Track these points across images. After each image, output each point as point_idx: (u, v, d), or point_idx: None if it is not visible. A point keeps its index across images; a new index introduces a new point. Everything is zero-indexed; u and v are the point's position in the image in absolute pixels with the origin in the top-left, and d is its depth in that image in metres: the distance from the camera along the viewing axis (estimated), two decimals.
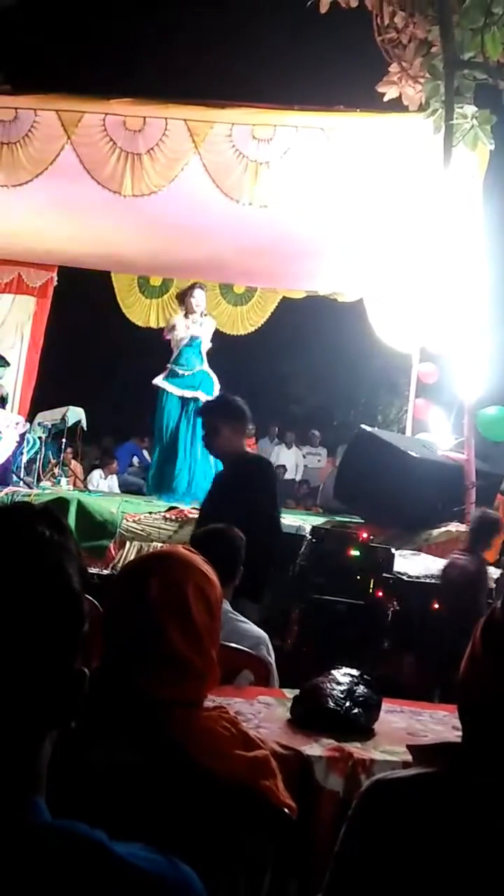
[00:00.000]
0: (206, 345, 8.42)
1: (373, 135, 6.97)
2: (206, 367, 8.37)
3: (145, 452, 13.27)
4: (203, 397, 7.99)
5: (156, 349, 9.13)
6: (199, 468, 7.95)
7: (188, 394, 8.18)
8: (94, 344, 14.18)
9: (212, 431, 4.67)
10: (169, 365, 8.35)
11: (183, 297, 8.54)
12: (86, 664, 0.96)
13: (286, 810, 1.63)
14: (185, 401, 8.19)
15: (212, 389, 8.24)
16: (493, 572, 5.82)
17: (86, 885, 0.84)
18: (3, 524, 0.93)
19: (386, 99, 6.62)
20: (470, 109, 6.28)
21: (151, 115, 7.06)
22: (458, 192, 6.55)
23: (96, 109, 7.08)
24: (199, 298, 8.40)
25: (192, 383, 8.22)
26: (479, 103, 6.35)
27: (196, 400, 8.01)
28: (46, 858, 0.84)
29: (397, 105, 6.65)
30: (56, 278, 10.99)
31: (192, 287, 8.60)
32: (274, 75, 8.42)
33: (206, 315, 8.50)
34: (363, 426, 7.66)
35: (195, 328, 8.33)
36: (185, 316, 8.39)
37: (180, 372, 8.26)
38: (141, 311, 10.99)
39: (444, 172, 6.34)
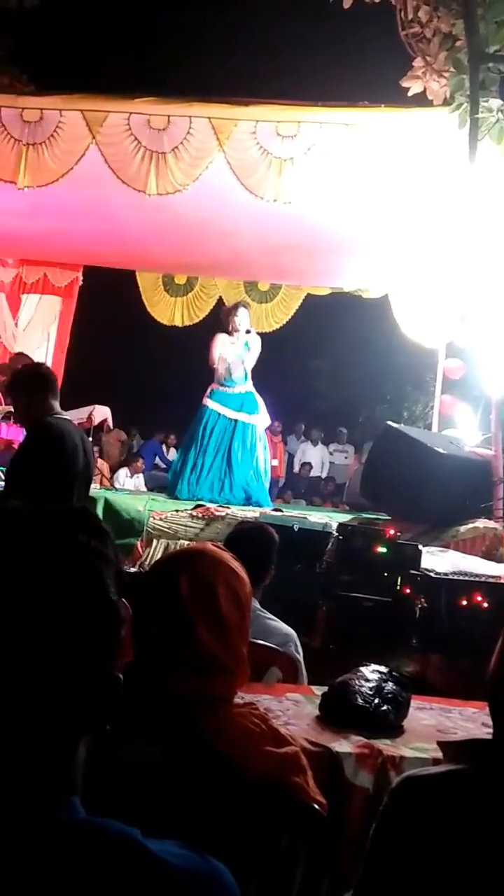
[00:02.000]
0: (252, 363, 8.41)
1: (397, 130, 6.93)
2: (250, 386, 8.40)
3: (164, 449, 13.33)
4: (247, 419, 8.19)
5: (181, 347, 9.15)
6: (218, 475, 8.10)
7: (231, 414, 8.25)
8: (120, 343, 14.23)
9: (16, 400, 4.56)
10: (214, 383, 8.37)
11: (227, 316, 8.51)
12: (119, 662, 0.97)
13: (316, 807, 1.63)
14: (226, 420, 8.26)
15: (256, 409, 8.35)
16: None
17: (121, 881, 0.84)
18: (41, 531, 0.94)
19: (410, 94, 6.59)
20: (495, 103, 6.23)
21: (175, 113, 7.06)
22: (483, 186, 6.50)
23: (121, 109, 7.09)
24: (242, 317, 8.37)
25: (235, 403, 8.28)
26: None
27: (237, 422, 8.18)
28: (82, 855, 0.85)
29: (422, 100, 6.62)
30: (81, 278, 11.06)
31: (236, 306, 8.60)
32: (298, 72, 8.42)
33: (250, 332, 8.44)
34: (389, 423, 7.63)
35: (239, 347, 8.32)
36: (230, 334, 8.35)
37: (224, 389, 8.31)
38: (166, 310, 11.02)
39: (470, 167, 6.30)
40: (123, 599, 0.98)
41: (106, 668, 0.93)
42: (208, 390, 8.39)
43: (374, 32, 7.26)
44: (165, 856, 0.89)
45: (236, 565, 1.72)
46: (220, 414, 8.24)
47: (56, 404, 4.39)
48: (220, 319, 8.71)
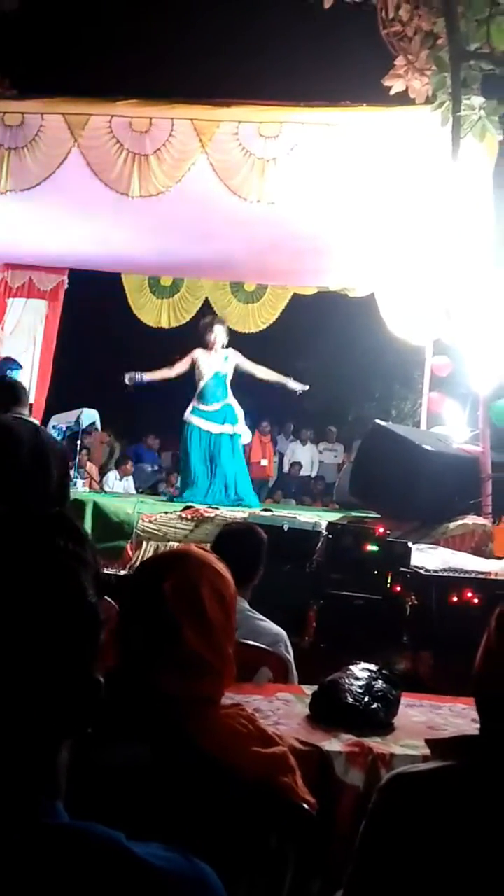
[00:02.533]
0: (230, 376, 8.52)
1: (380, 129, 6.94)
2: (230, 399, 8.52)
3: (156, 455, 13.34)
4: (231, 430, 8.35)
5: (168, 350, 9.15)
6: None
7: (216, 428, 8.38)
8: (107, 346, 14.20)
9: None
10: (194, 401, 8.49)
11: (204, 332, 8.59)
12: (104, 664, 0.97)
13: (305, 806, 1.63)
14: (211, 435, 8.38)
15: (236, 421, 8.48)
16: None
17: (104, 884, 0.84)
18: (19, 535, 0.94)
19: (392, 92, 6.59)
20: (477, 100, 6.24)
21: (157, 115, 7.06)
22: (467, 183, 6.51)
23: (102, 111, 7.09)
24: (218, 333, 8.47)
25: (218, 418, 8.41)
26: (486, 94, 6.31)
27: (223, 434, 8.33)
28: (65, 859, 0.84)
29: (404, 98, 6.62)
30: (67, 281, 11.02)
31: (212, 322, 8.70)
32: (279, 72, 8.40)
33: (227, 348, 8.54)
34: (377, 421, 7.64)
35: (217, 363, 8.43)
36: (208, 350, 8.45)
37: (205, 407, 8.42)
38: (152, 312, 11.00)
39: (453, 164, 6.31)
40: (112, 601, 0.98)
41: (86, 670, 0.93)
42: (190, 406, 8.50)
43: (355, 32, 7.26)
44: (150, 858, 0.89)
45: (220, 566, 1.72)
46: (202, 430, 8.38)
47: (24, 412, 4.41)
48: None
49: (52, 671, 0.90)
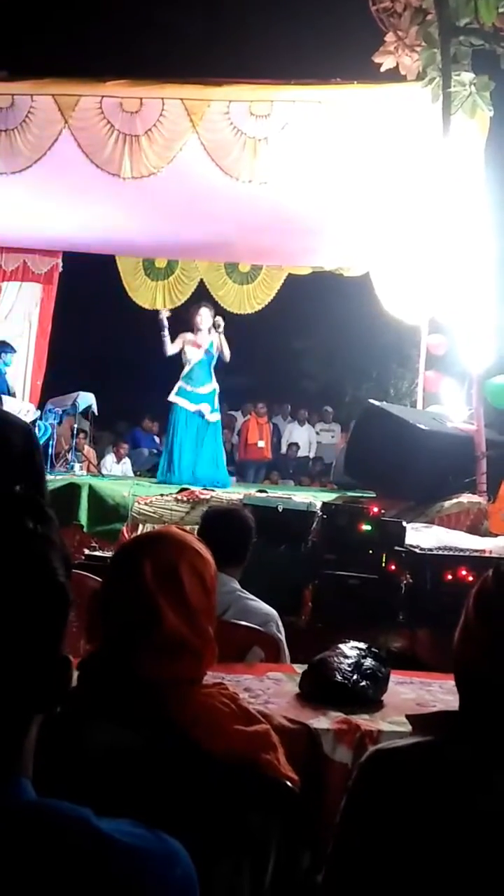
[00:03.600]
0: (215, 360, 8.77)
1: (371, 106, 6.90)
2: (214, 384, 8.80)
3: (153, 438, 13.32)
4: (214, 418, 8.73)
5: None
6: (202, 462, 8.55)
7: (200, 408, 8.66)
8: (102, 329, 14.16)
9: None
10: (181, 381, 8.73)
11: (192, 316, 8.83)
12: (85, 648, 0.98)
13: (288, 783, 1.64)
14: (195, 414, 8.66)
15: (217, 409, 8.89)
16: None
17: (68, 860, 0.85)
18: None
19: (383, 69, 6.56)
20: (468, 76, 6.22)
21: (148, 95, 7.02)
22: (459, 160, 6.48)
23: (92, 92, 7.05)
24: (203, 317, 8.71)
25: (201, 399, 8.68)
26: (476, 70, 6.28)
27: (206, 420, 8.66)
28: (28, 835, 0.85)
29: (394, 75, 6.59)
30: (61, 264, 10.99)
31: (199, 306, 8.96)
32: (269, 50, 8.34)
33: (213, 331, 8.73)
34: (371, 401, 7.65)
35: (203, 345, 8.68)
36: (194, 333, 8.70)
37: (190, 388, 8.68)
38: (147, 294, 10.97)
39: (444, 141, 6.28)
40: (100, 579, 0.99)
41: (55, 649, 0.94)
42: (176, 387, 8.72)
43: (344, 8, 7.21)
44: (117, 835, 0.89)
45: (200, 546, 1.72)
46: (187, 410, 8.64)
47: None
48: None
49: (21, 649, 0.91)
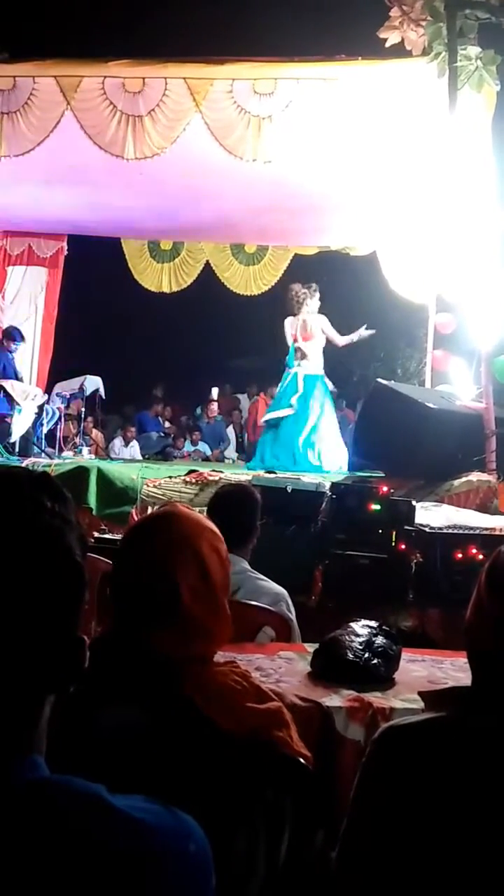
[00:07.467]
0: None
1: (376, 82, 6.84)
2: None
3: (159, 421, 13.33)
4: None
5: (168, 314, 9.12)
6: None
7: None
8: (108, 312, 14.14)
9: None
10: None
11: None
12: (98, 627, 0.98)
13: (301, 760, 1.64)
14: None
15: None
16: None
17: (82, 836, 0.85)
18: (3, 495, 0.94)
19: (388, 45, 6.50)
20: (474, 50, 6.15)
21: (150, 75, 6.97)
22: (465, 135, 6.42)
23: (94, 73, 7.01)
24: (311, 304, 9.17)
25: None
26: (483, 44, 6.21)
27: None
28: (43, 812, 0.85)
29: (400, 51, 6.52)
30: (66, 248, 10.96)
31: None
32: (272, 27, 8.26)
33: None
34: (379, 380, 7.62)
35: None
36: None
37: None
38: (153, 277, 10.95)
39: (451, 117, 6.22)
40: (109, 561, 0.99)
41: (70, 628, 0.94)
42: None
43: None
44: (131, 810, 0.89)
45: (210, 524, 1.71)
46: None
47: None
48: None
49: (37, 628, 0.90)
